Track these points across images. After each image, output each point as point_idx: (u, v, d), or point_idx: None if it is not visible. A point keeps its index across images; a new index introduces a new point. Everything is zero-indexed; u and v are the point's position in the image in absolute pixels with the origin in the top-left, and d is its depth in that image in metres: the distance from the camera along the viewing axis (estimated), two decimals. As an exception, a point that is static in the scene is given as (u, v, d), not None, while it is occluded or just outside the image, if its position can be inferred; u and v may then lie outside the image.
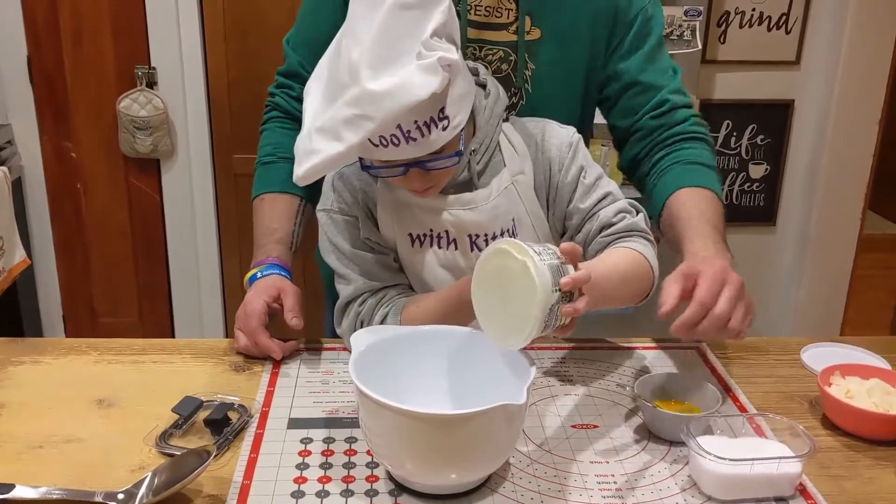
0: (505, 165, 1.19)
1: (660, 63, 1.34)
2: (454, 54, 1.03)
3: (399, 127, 1.01)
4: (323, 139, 1.03)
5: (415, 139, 1.03)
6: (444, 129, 1.05)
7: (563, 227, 1.24)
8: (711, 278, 1.03)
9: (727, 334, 1.04)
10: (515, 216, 1.20)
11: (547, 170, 1.21)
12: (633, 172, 1.38)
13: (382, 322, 1.19)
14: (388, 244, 1.22)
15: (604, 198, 1.20)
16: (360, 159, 1.11)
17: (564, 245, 0.95)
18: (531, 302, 0.90)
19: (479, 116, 1.18)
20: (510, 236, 1.19)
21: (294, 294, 1.27)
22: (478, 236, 1.18)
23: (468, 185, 1.18)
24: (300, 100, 1.17)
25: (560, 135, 1.22)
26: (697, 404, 1.09)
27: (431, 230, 1.18)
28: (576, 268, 0.94)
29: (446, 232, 1.18)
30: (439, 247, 1.19)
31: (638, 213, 1.21)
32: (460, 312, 1.11)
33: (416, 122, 1.01)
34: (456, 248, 1.19)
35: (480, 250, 1.18)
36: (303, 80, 1.20)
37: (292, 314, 1.24)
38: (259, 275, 1.29)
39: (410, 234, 1.19)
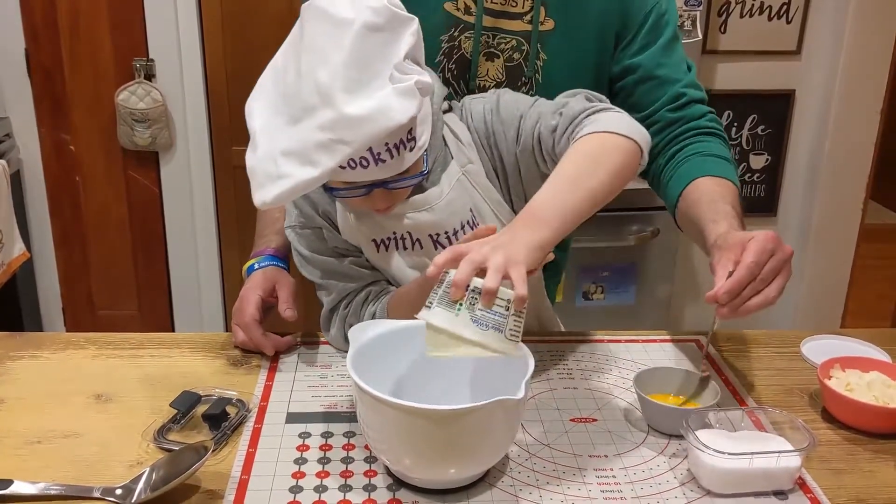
0: (452, 158, 1.17)
1: (675, 57, 1.33)
2: (427, 77, 1.03)
3: (370, 150, 1.00)
4: (292, 163, 1.00)
5: (384, 161, 1.02)
6: (412, 150, 1.04)
7: (529, 190, 1.17)
8: (763, 243, 1.02)
9: (753, 305, 1.01)
10: (473, 206, 1.17)
11: (488, 147, 1.18)
12: (647, 167, 1.35)
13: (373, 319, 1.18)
14: (356, 248, 1.22)
15: (537, 120, 1.13)
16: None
17: (436, 259, 0.92)
18: (472, 341, 0.88)
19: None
20: (470, 228, 1.17)
21: (289, 286, 1.27)
22: (438, 234, 1.17)
23: (419, 187, 1.16)
24: None
25: (480, 106, 1.18)
26: (696, 398, 1.08)
27: (394, 233, 1.17)
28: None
29: (408, 233, 1.17)
30: (404, 248, 1.19)
31: (575, 96, 1.14)
32: None
33: (386, 144, 1.00)
34: (421, 248, 1.18)
35: (444, 247, 1.16)
36: None
37: (286, 306, 1.24)
38: (256, 266, 1.30)
39: (374, 240, 1.19)
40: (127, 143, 2.76)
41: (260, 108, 1.06)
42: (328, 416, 1.09)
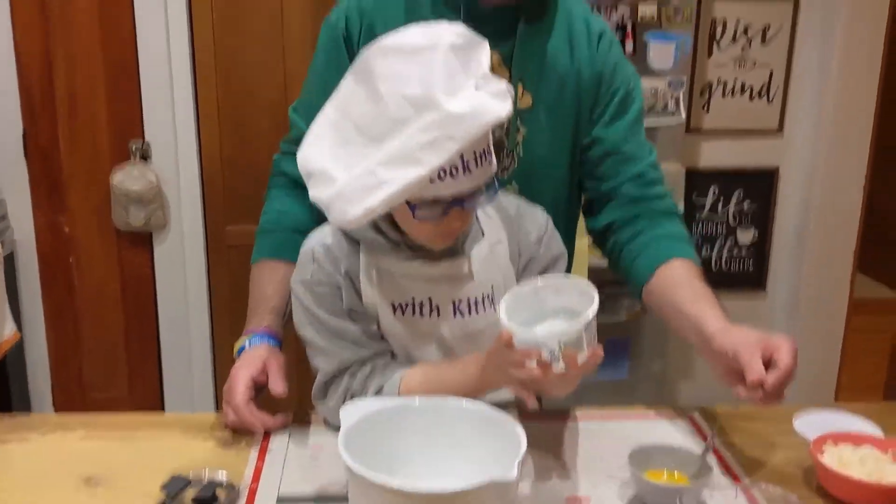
0: (483, 235, 1.23)
1: (639, 136, 1.40)
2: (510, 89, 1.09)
3: (461, 157, 1.06)
4: (394, 168, 1.04)
5: (470, 171, 1.07)
6: (490, 163, 1.11)
7: None
8: (794, 350, 1.10)
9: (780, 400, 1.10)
10: (494, 283, 1.22)
11: (525, 245, 1.25)
12: (606, 238, 1.41)
13: (378, 394, 1.18)
14: (370, 314, 1.22)
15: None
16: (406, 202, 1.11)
17: None
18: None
19: None
20: (489, 302, 1.22)
21: (279, 363, 1.28)
22: (460, 301, 1.20)
23: (451, 252, 1.20)
24: None
25: (537, 215, 1.28)
26: (691, 474, 1.08)
27: (414, 298, 1.19)
28: None
29: (429, 299, 1.19)
30: (421, 315, 1.20)
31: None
32: (479, 391, 1.14)
33: (475, 152, 1.07)
34: (438, 315, 1.20)
35: (463, 316, 1.20)
36: None
37: (276, 383, 1.24)
38: (247, 345, 1.30)
39: (393, 304, 1.20)
40: (121, 224, 2.78)
41: (322, 151, 1.11)
42: (319, 499, 1.08)
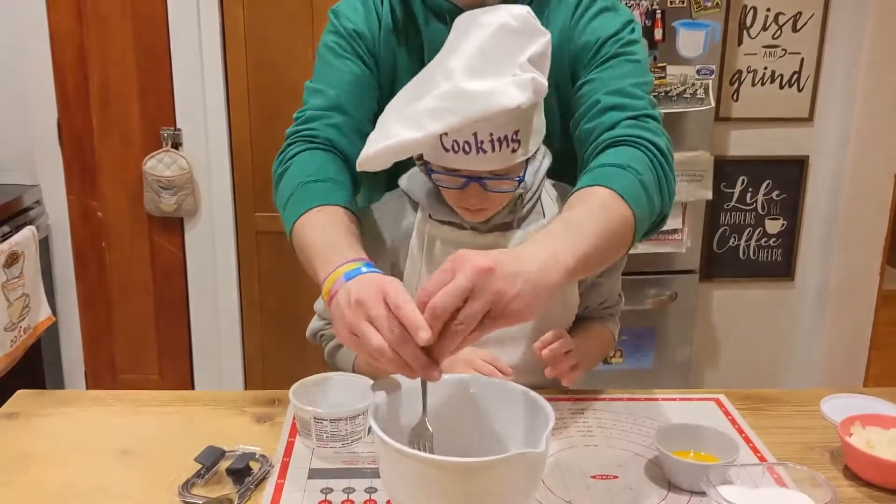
0: (545, 216, 1.24)
1: (611, 71, 1.19)
2: (545, 81, 1.08)
3: (475, 135, 1.06)
4: (401, 126, 1.06)
5: (485, 151, 1.07)
6: (514, 151, 1.09)
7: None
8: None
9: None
10: None
11: None
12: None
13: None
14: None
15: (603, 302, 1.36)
16: (426, 164, 1.14)
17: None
18: None
19: (528, 167, 1.20)
20: None
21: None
22: None
23: (507, 226, 1.22)
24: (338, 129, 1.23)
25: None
26: (716, 454, 1.08)
27: None
28: None
29: None
30: None
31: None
32: None
33: (491, 134, 1.06)
34: None
35: None
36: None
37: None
38: (364, 269, 0.99)
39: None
40: (153, 210, 2.83)
41: (389, 107, 1.14)
42: (350, 472, 1.10)
